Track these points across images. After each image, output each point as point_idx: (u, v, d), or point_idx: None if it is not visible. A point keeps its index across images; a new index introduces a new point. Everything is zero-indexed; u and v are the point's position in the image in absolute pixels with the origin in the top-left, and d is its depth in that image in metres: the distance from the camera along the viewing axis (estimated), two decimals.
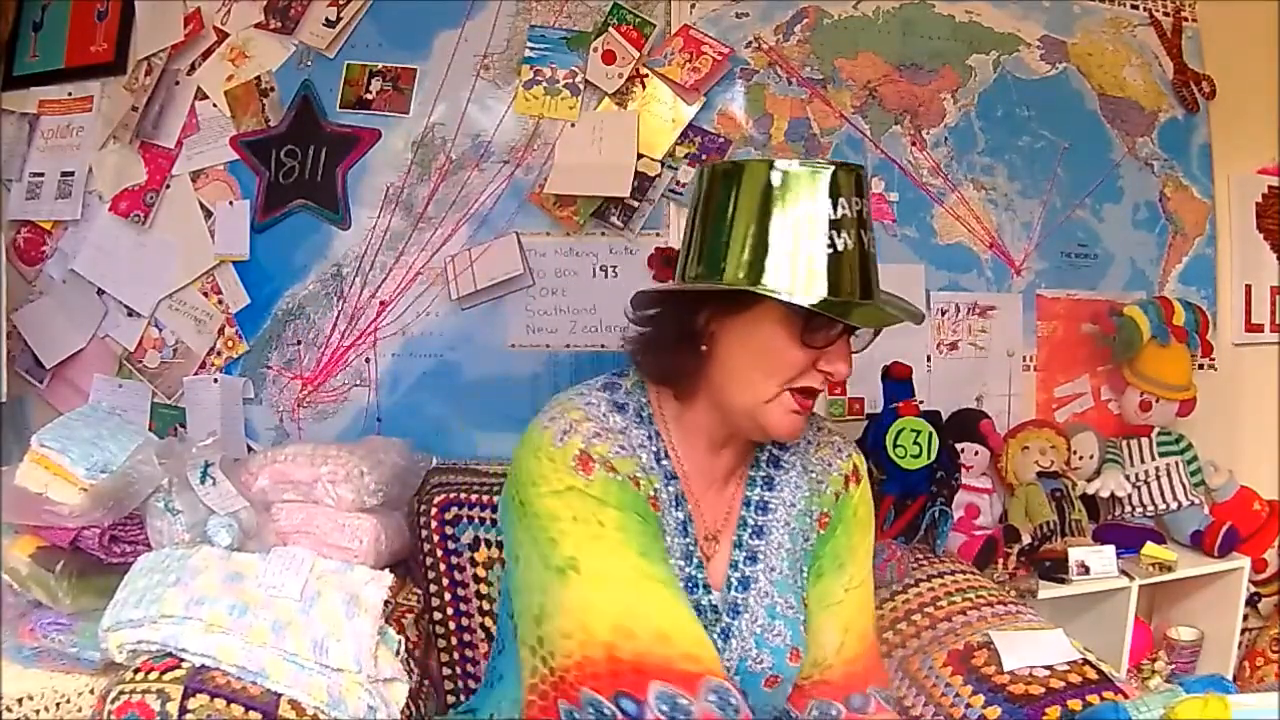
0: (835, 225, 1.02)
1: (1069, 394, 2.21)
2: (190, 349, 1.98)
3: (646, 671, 0.97)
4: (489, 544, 1.60)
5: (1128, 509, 2.13)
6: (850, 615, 1.20)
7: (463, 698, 1.58)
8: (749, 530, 1.17)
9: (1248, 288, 2.29)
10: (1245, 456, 2.22)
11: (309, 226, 1.95)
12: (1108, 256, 2.21)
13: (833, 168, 1.03)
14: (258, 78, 1.94)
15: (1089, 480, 2.11)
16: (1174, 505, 2.11)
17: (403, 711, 1.29)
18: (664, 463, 1.13)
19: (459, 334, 1.97)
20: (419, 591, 1.61)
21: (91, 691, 1.34)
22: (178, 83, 1.96)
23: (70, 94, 2.00)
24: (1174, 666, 2.08)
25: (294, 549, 1.38)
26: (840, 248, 1.02)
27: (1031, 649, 1.32)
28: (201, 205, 1.95)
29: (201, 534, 1.44)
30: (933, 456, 1.70)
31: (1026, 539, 1.96)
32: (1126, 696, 1.20)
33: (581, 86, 1.94)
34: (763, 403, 1.07)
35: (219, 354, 1.98)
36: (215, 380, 1.97)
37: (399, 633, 1.39)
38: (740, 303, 1.06)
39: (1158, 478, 2.12)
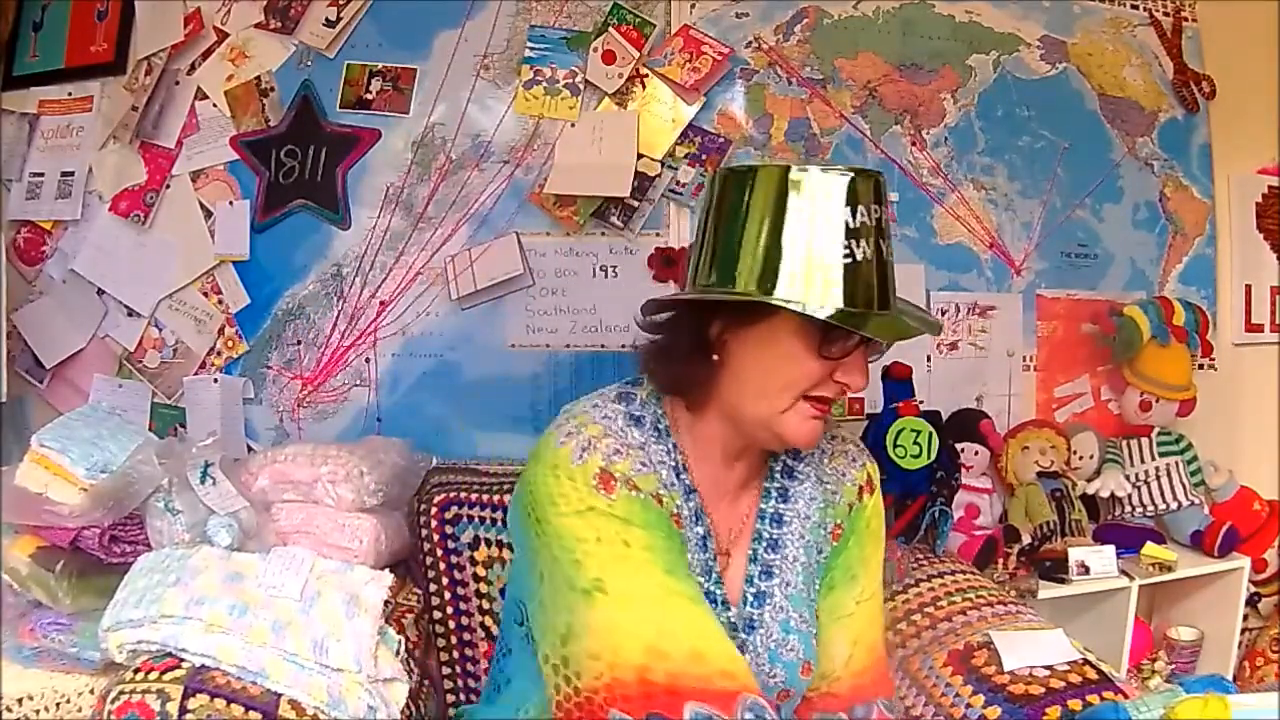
0: (853, 234, 0.98)
1: (1069, 394, 2.21)
2: (190, 349, 1.98)
3: (681, 693, 0.94)
4: (489, 544, 1.60)
5: (1128, 509, 2.13)
6: (860, 628, 1.18)
7: (463, 697, 1.58)
8: (764, 544, 1.15)
9: (1248, 288, 2.29)
10: (1245, 456, 2.22)
11: (309, 226, 1.95)
12: (1108, 256, 2.21)
13: (851, 174, 0.98)
14: (258, 78, 1.94)
15: (1089, 480, 2.11)
16: (1174, 505, 2.11)
17: (403, 711, 1.29)
18: (683, 477, 1.10)
19: (459, 334, 1.96)
20: (419, 591, 1.61)
21: (91, 691, 1.34)
22: (178, 83, 1.96)
23: (70, 94, 2.00)
24: (1174, 666, 2.08)
25: (294, 549, 1.39)
26: (858, 257, 0.98)
27: (1031, 649, 1.32)
28: (201, 205, 1.96)
29: (201, 534, 1.44)
30: (933, 456, 1.70)
31: (1026, 539, 1.96)
32: (1126, 696, 1.20)
33: (581, 86, 1.94)
34: (778, 413, 1.04)
35: (219, 354, 1.98)
36: (215, 380, 1.97)
37: (399, 633, 1.39)
38: (754, 312, 1.02)
39: (1158, 478, 2.12)
